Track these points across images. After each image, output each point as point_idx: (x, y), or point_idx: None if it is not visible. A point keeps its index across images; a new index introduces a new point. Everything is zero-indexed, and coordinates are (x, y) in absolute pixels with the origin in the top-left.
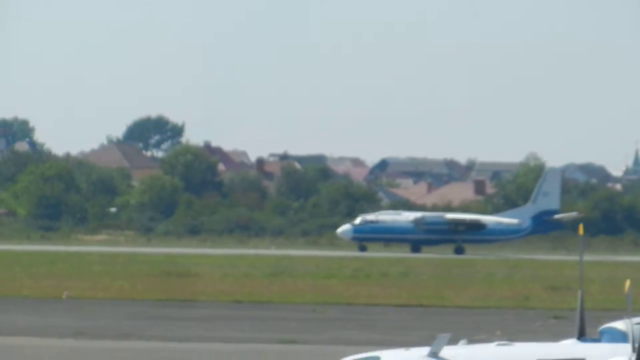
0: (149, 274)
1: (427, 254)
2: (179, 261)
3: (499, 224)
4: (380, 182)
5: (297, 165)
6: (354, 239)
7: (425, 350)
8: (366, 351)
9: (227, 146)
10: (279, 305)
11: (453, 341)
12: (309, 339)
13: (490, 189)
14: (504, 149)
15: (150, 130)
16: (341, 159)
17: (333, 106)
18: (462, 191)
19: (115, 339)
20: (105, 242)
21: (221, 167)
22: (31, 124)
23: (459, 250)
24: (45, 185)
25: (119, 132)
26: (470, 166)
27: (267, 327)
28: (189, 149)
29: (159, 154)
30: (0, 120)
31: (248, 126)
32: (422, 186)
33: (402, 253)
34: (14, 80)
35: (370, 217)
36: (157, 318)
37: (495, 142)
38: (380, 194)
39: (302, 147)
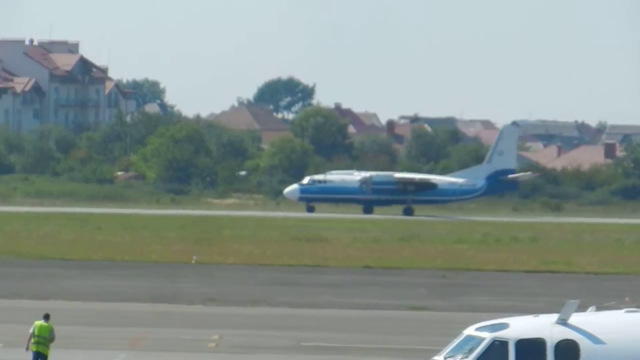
0: (279, 239)
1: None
2: (309, 225)
3: (451, 184)
4: None
5: (428, 128)
6: (301, 199)
7: (554, 317)
8: (495, 318)
9: (358, 108)
10: (408, 271)
11: (582, 308)
12: (438, 305)
13: (620, 152)
14: (635, 112)
15: (280, 92)
16: (471, 122)
17: (463, 68)
18: (592, 155)
19: (245, 305)
20: (234, 206)
21: (351, 129)
22: (161, 86)
23: (408, 211)
24: (175, 147)
25: (249, 93)
26: (600, 129)
27: (397, 293)
28: (319, 111)
29: (289, 116)
30: (130, 82)
31: (378, 88)
32: (552, 149)
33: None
34: (144, 42)
35: (319, 176)
36: (286, 284)
37: (627, 104)
38: None
39: (432, 109)
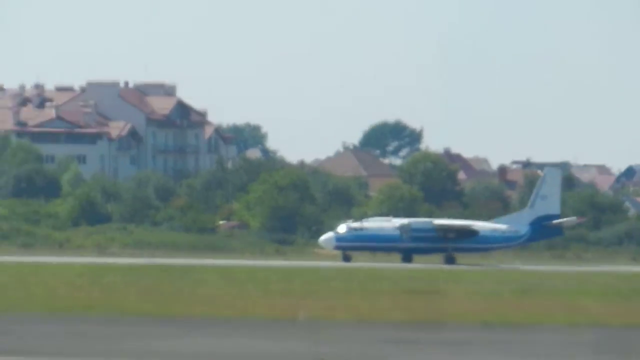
0: (390, 291)
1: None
2: (420, 276)
3: (494, 230)
4: (626, 191)
5: (541, 173)
6: (337, 247)
7: None
8: None
9: (468, 153)
10: (530, 327)
11: None
12: None
13: None
14: None
15: (387, 136)
16: (586, 167)
17: (577, 111)
18: None
19: None
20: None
21: (461, 175)
22: (263, 130)
23: (450, 260)
24: (279, 195)
25: (354, 138)
26: None
27: (521, 352)
28: (428, 156)
29: (397, 161)
30: (231, 126)
31: (489, 132)
32: None
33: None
34: (245, 84)
35: (356, 224)
36: (400, 342)
37: None
38: (627, 204)
39: (545, 153)
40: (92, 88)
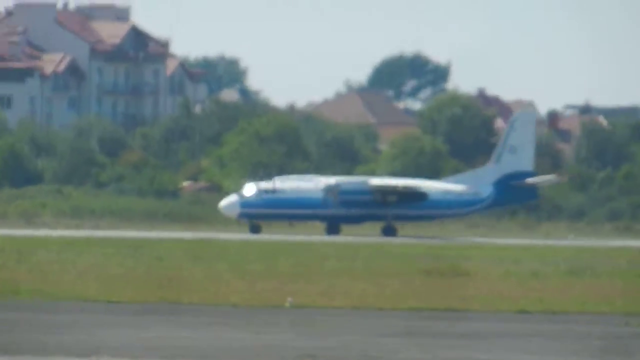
0: (402, 272)
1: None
2: (441, 253)
3: (447, 192)
4: None
5: (603, 121)
6: (242, 216)
7: None
8: None
9: (508, 95)
10: (578, 317)
11: None
12: None
13: None
14: None
15: (403, 73)
16: None
17: None
18: None
19: None
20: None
21: (499, 123)
22: (242, 65)
23: (389, 231)
24: (262, 148)
25: (361, 75)
26: None
27: (565, 347)
28: (456, 99)
29: (416, 105)
30: (200, 60)
31: (535, 69)
32: None
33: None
34: (219, 6)
35: (266, 184)
36: (411, 335)
37: None
38: None
39: (608, 96)
40: (21, 10)
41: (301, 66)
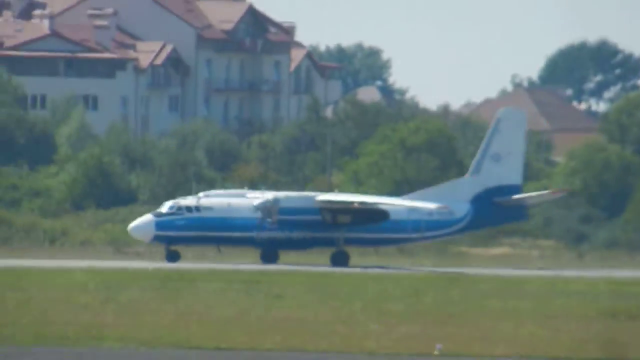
0: (580, 313)
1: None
2: (633, 290)
3: (413, 211)
4: None
5: None
6: (156, 239)
7: None
8: None
9: None
10: None
11: None
12: None
13: None
14: None
15: (585, 66)
16: None
17: None
18: None
19: None
20: (505, 259)
21: None
22: (385, 57)
23: (339, 258)
24: (409, 160)
25: (531, 70)
26: None
27: None
28: None
29: (601, 106)
30: (333, 51)
31: None
32: None
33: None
34: None
35: (187, 201)
36: None
37: None
38: None
39: None
40: None
41: (456, 59)
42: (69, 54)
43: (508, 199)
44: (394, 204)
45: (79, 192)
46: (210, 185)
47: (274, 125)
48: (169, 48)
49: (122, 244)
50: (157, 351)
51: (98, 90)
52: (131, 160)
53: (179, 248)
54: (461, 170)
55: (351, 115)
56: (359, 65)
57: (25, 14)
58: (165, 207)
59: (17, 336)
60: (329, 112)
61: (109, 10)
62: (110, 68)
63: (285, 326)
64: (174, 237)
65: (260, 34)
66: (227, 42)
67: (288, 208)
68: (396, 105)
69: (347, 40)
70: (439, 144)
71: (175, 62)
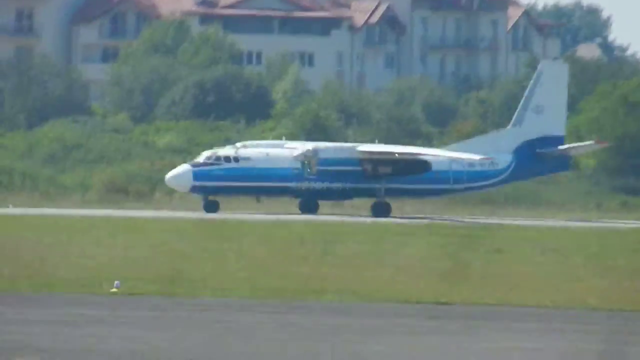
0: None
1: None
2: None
3: (455, 162)
4: None
5: None
6: (195, 189)
7: None
8: None
9: None
10: None
11: None
12: None
13: None
14: None
15: None
16: None
17: None
18: None
19: None
20: None
21: None
22: (604, 14)
23: (379, 209)
24: (630, 117)
25: None
26: None
27: None
28: None
29: None
30: (551, 8)
31: None
32: None
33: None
34: None
35: (227, 151)
36: None
37: None
38: None
39: None
40: None
41: None
42: (283, 12)
43: (551, 150)
44: (436, 154)
45: None
46: (428, 141)
47: (491, 82)
48: (384, 6)
49: None
50: (374, 305)
51: (313, 48)
52: (348, 115)
53: (217, 198)
54: None
55: (571, 72)
56: (578, 23)
57: None
58: (202, 157)
59: (234, 289)
60: None
61: None
62: (326, 26)
63: (505, 281)
64: (213, 188)
65: None
66: (443, 1)
67: (328, 159)
68: (617, 62)
69: None
70: None
71: (390, 20)
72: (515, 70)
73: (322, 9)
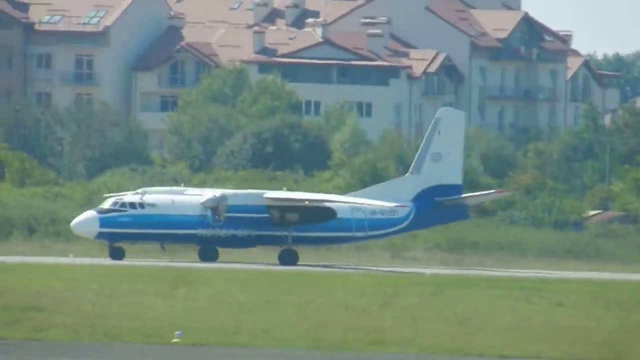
0: None
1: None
2: None
3: (358, 210)
4: None
5: None
6: (100, 236)
7: None
8: None
9: None
10: None
11: None
12: None
13: None
14: None
15: None
16: None
17: None
18: None
19: None
20: None
21: None
22: None
23: (287, 257)
24: None
25: None
26: None
27: None
28: None
29: None
30: (611, 59)
31: None
32: None
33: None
34: None
35: (129, 197)
36: None
37: None
38: None
39: None
40: None
41: None
42: (342, 62)
43: (449, 199)
44: (341, 202)
45: None
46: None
47: (550, 133)
48: (442, 56)
49: (399, 249)
50: (436, 356)
51: (371, 97)
52: (405, 166)
53: (122, 245)
54: None
55: (630, 123)
56: (638, 74)
57: (298, 23)
58: (108, 203)
59: (296, 340)
60: (607, 120)
61: (383, 19)
62: (384, 76)
63: (567, 335)
64: (118, 235)
65: (536, 43)
66: (502, 50)
67: (236, 206)
68: None
69: (626, 49)
70: None
71: (448, 69)
72: (574, 121)
73: (380, 58)
